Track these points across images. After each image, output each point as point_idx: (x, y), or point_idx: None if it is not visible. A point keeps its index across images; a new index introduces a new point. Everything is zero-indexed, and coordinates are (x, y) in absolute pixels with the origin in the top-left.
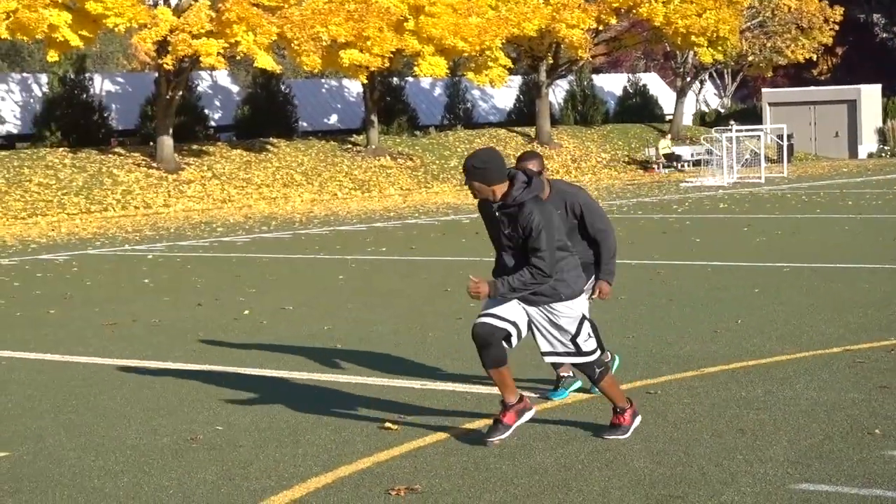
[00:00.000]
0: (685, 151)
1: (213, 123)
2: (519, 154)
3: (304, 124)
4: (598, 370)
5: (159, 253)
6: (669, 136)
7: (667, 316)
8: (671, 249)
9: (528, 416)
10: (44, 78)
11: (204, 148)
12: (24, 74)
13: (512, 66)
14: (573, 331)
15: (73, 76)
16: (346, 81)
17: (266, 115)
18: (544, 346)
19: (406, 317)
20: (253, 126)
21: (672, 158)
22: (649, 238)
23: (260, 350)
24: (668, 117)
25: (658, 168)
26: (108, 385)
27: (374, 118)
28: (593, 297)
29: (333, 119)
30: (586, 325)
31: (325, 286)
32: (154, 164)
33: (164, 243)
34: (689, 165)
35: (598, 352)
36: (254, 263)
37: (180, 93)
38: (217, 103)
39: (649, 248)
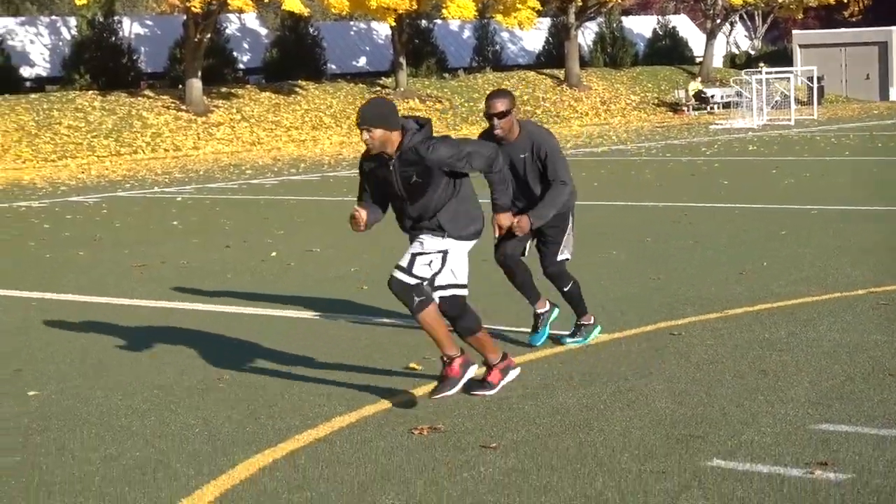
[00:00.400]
0: (715, 93)
1: (241, 66)
2: (489, 92)
3: (333, 67)
4: (416, 298)
5: (188, 195)
6: (699, 78)
7: (692, 258)
8: (699, 192)
9: (513, 374)
10: (73, 21)
11: (233, 91)
12: (53, 17)
13: (541, 7)
14: (421, 250)
15: (101, 19)
16: (374, 24)
17: (294, 57)
18: (398, 261)
19: None
20: (281, 69)
21: (702, 99)
22: (677, 180)
23: (287, 292)
24: (697, 59)
25: (688, 110)
26: (136, 326)
27: (403, 60)
28: (511, 223)
29: (362, 62)
30: (437, 257)
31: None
32: (183, 107)
33: (194, 185)
34: (718, 107)
35: (422, 284)
36: (282, 206)
37: (209, 35)
38: (246, 46)
39: (677, 191)
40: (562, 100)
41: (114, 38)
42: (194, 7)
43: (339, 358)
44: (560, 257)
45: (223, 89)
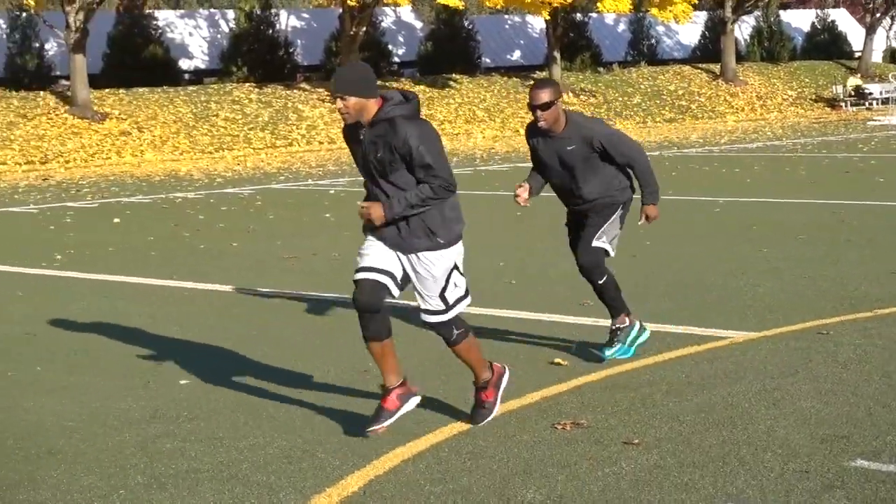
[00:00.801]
0: (874, 89)
1: (396, 59)
2: (533, 83)
3: (487, 60)
4: (455, 331)
5: (342, 188)
6: (858, 73)
7: (844, 256)
8: (854, 189)
9: (413, 402)
10: (231, 14)
11: (388, 84)
12: (212, 10)
13: (697, 1)
14: (443, 283)
15: (259, 12)
16: (529, 17)
17: (449, 51)
18: (423, 305)
19: None
20: (436, 62)
21: (861, 94)
22: (832, 177)
23: None
24: (856, 54)
25: (846, 106)
26: (287, 316)
27: (557, 54)
28: (639, 223)
29: (516, 55)
30: (455, 274)
31: (502, 223)
32: None
33: (347, 178)
34: (877, 103)
35: (465, 301)
36: None
37: (364, 29)
38: (400, 39)
39: (831, 188)
40: (717, 94)
41: (271, 31)
42: (350, 1)
43: (486, 352)
44: (596, 243)
45: (378, 82)
